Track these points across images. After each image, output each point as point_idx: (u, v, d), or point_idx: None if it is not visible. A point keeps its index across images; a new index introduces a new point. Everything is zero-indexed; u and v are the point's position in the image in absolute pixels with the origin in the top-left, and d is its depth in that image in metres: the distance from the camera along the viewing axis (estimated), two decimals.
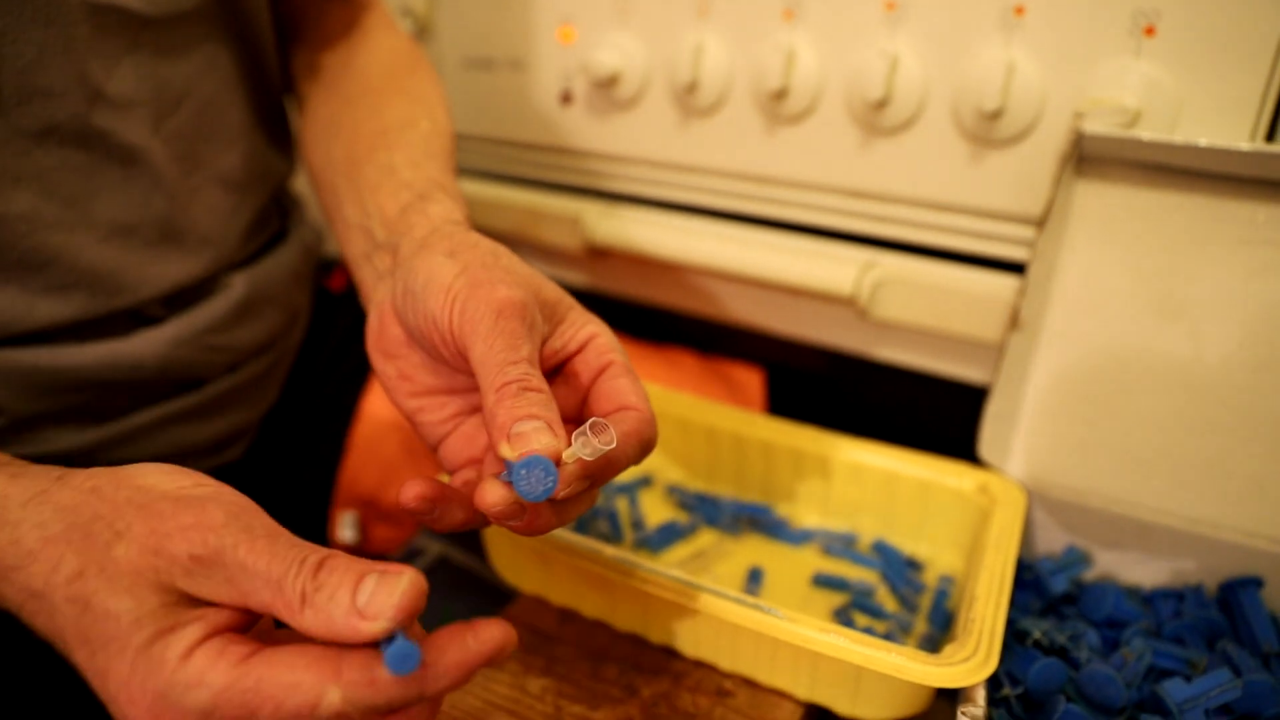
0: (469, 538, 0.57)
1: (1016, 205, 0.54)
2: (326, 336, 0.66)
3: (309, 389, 0.64)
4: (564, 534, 0.43)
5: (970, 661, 0.36)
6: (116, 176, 0.44)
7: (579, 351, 0.36)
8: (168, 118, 0.46)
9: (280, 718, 0.25)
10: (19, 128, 0.40)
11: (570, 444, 0.30)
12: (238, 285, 0.52)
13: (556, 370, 0.37)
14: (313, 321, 0.64)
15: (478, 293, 0.33)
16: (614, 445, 0.30)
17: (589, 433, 0.30)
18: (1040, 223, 0.49)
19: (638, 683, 0.43)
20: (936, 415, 0.61)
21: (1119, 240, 0.49)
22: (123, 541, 0.28)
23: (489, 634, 0.28)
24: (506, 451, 0.29)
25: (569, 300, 0.36)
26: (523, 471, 0.28)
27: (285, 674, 0.26)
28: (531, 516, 0.32)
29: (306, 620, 0.26)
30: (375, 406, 0.64)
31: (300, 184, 0.63)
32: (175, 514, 0.28)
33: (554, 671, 0.44)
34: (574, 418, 0.36)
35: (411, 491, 0.32)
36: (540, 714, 0.41)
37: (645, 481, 0.58)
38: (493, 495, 0.30)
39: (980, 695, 0.36)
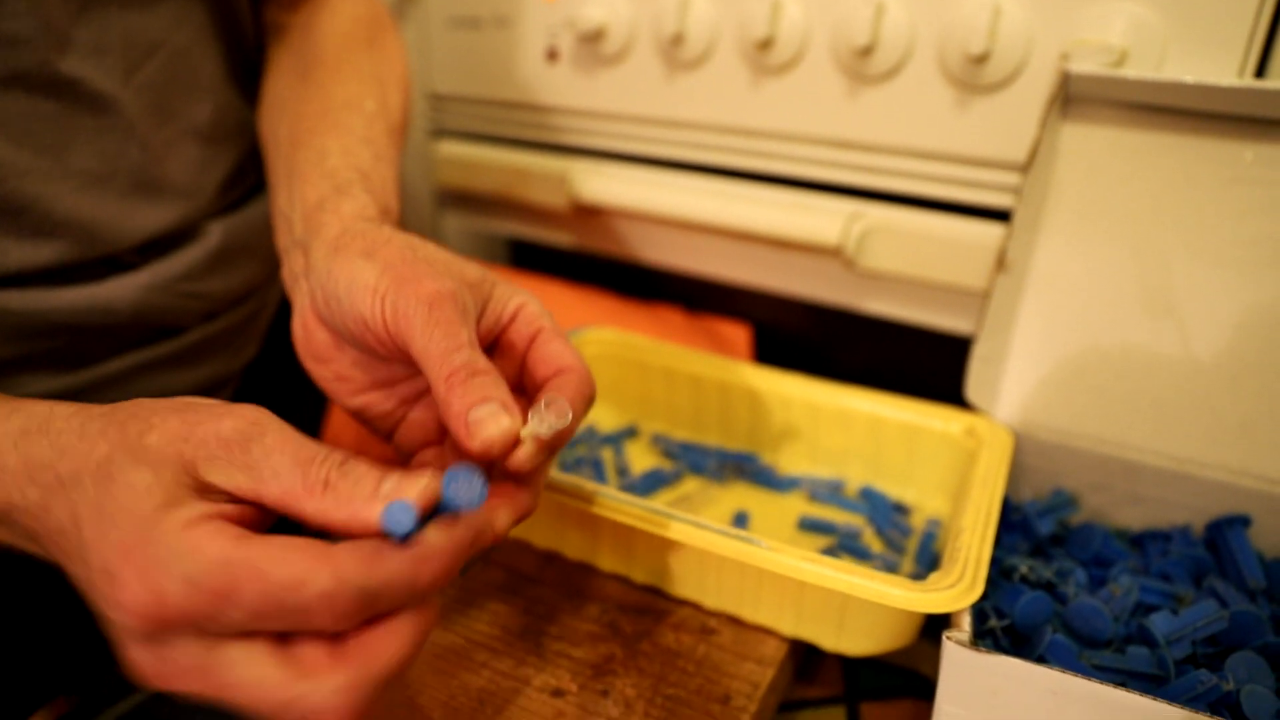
0: None
1: (1004, 151, 0.53)
2: None
3: (290, 342, 0.63)
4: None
5: (955, 588, 0.36)
6: (89, 126, 0.44)
7: (510, 323, 0.36)
8: (139, 68, 0.46)
9: (264, 591, 0.25)
10: None
11: (525, 421, 0.31)
12: (214, 234, 0.52)
13: (491, 346, 0.37)
14: None
15: (405, 289, 0.32)
16: (569, 420, 0.31)
17: (544, 410, 0.31)
18: (1025, 167, 0.48)
19: (620, 621, 0.43)
20: (925, 368, 0.60)
21: (1106, 182, 0.49)
22: (154, 432, 0.28)
23: (473, 518, 0.28)
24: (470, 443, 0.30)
25: (492, 277, 0.36)
26: (452, 487, 0.28)
27: (277, 551, 0.26)
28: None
29: (325, 502, 0.27)
30: None
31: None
32: (210, 408, 0.29)
33: (535, 611, 0.43)
34: (514, 386, 0.36)
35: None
36: (521, 650, 0.41)
37: (631, 432, 0.57)
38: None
39: (966, 621, 0.35)
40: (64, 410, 0.30)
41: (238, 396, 0.59)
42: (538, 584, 0.45)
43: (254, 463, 0.27)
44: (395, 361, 0.36)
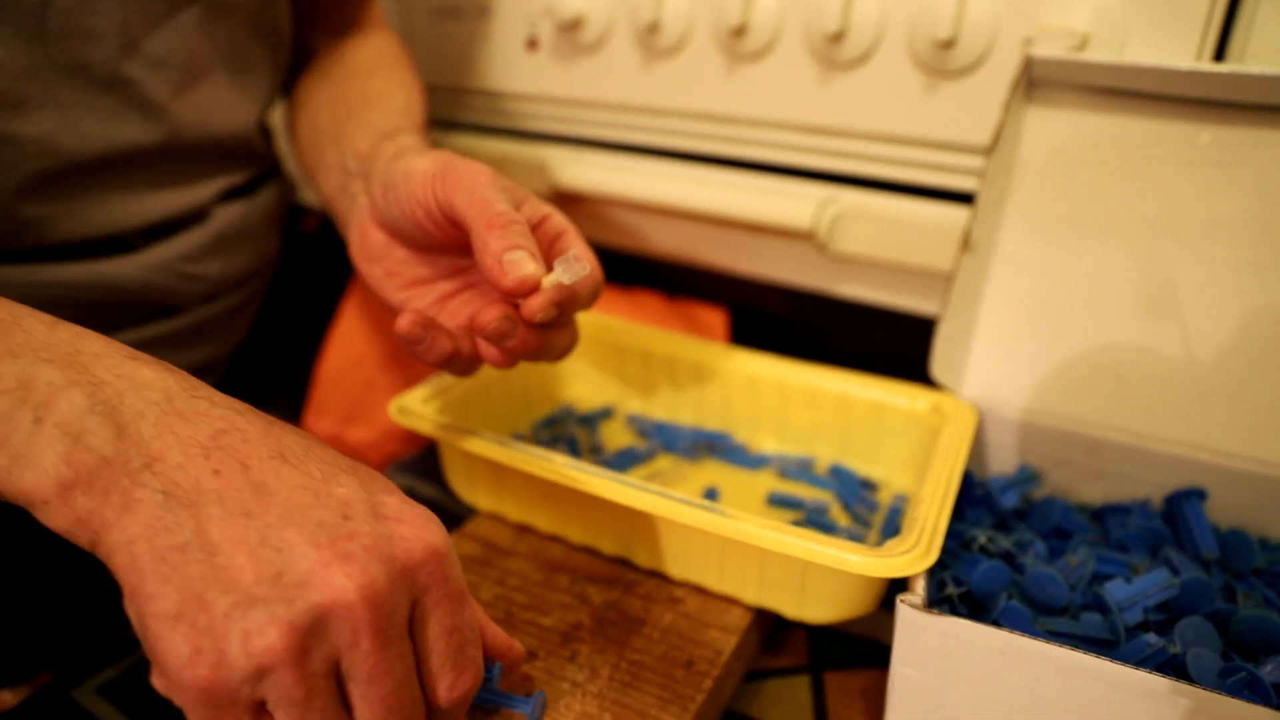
0: (430, 472, 0.58)
1: (971, 136, 0.54)
2: (297, 275, 0.67)
3: (278, 326, 0.65)
4: (517, 445, 0.43)
5: (911, 554, 0.37)
6: (136, 126, 0.47)
7: (538, 226, 0.40)
8: (190, 87, 0.50)
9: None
10: (54, 61, 0.43)
11: (549, 271, 0.36)
12: (218, 219, 0.54)
13: None
14: (285, 261, 0.66)
15: (454, 167, 0.38)
16: (588, 271, 0.36)
17: (570, 261, 0.36)
18: (989, 149, 0.49)
19: (589, 591, 0.43)
20: (897, 351, 0.61)
21: (1069, 164, 0.50)
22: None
23: None
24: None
25: (526, 191, 0.41)
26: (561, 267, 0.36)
27: None
28: (520, 339, 0.37)
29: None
30: (341, 345, 0.64)
31: (280, 144, 0.65)
32: None
33: (506, 582, 0.44)
34: None
35: (406, 320, 0.38)
36: (492, 618, 0.41)
37: (607, 413, 0.58)
38: (488, 313, 0.36)
39: (920, 586, 0.36)
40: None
41: (225, 379, 0.61)
42: (511, 556, 0.46)
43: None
44: (439, 252, 0.42)
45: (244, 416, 0.29)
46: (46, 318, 0.30)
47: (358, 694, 0.27)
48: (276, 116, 0.65)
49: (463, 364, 0.40)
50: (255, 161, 0.59)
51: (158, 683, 0.26)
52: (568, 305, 0.38)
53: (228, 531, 0.26)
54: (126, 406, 0.27)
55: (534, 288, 0.35)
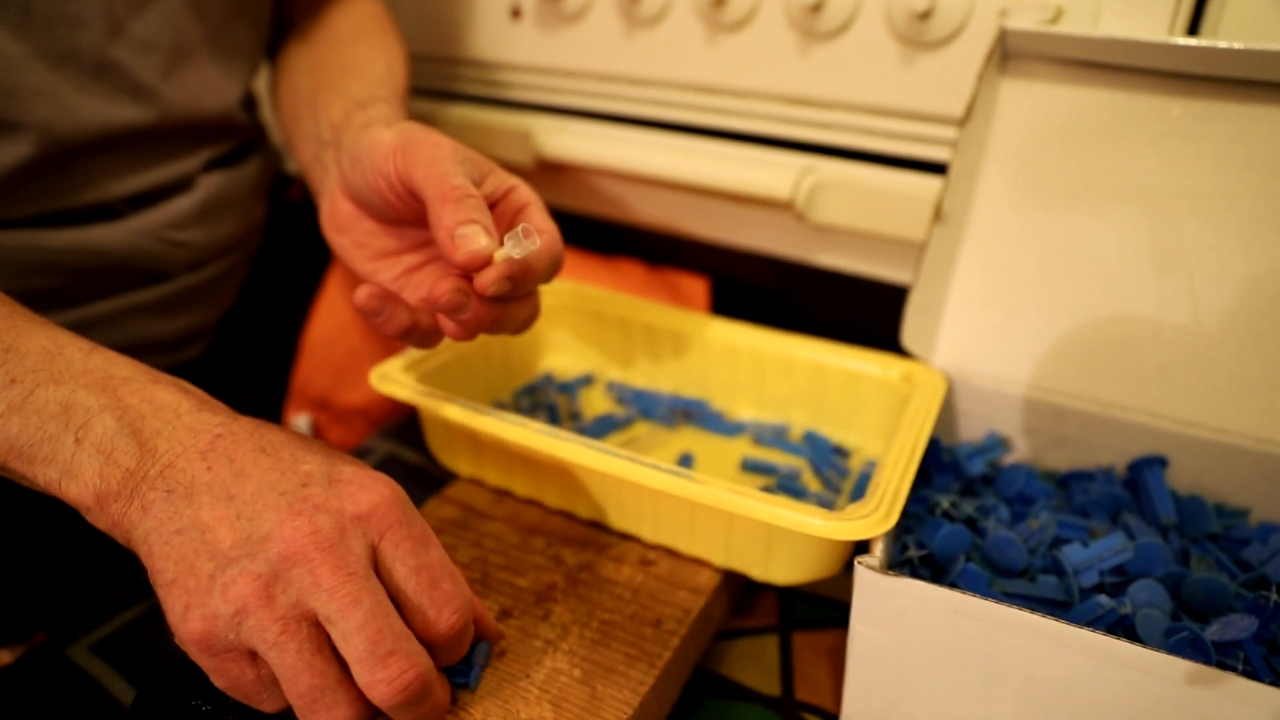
0: (413, 438, 0.59)
1: (948, 107, 0.55)
2: (283, 243, 0.68)
3: (264, 294, 0.66)
4: (494, 412, 0.45)
5: (871, 517, 0.38)
6: (130, 109, 0.49)
7: (503, 198, 0.41)
8: (178, 68, 0.51)
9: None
10: (43, 49, 0.44)
11: (502, 245, 0.36)
12: (204, 187, 0.55)
13: None
14: (271, 230, 0.67)
15: (415, 139, 0.39)
16: (538, 245, 0.36)
17: (519, 235, 0.36)
18: (963, 120, 0.50)
19: (564, 554, 0.45)
20: (875, 318, 0.62)
21: (1042, 136, 0.50)
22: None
23: None
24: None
25: (491, 163, 0.41)
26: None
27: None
28: (474, 312, 0.38)
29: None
30: (327, 313, 0.65)
31: (265, 113, 0.66)
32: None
33: (484, 545, 0.45)
34: None
35: (363, 292, 0.38)
36: (468, 579, 0.43)
37: (586, 380, 0.59)
38: (441, 286, 0.37)
39: (879, 548, 0.38)
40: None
41: (213, 347, 0.62)
42: (489, 519, 0.47)
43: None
44: (405, 225, 0.43)
45: (237, 422, 0.34)
46: (85, 344, 0.35)
47: (337, 635, 0.30)
48: (261, 84, 0.65)
49: (422, 336, 0.41)
50: (240, 133, 0.59)
51: (177, 641, 0.31)
52: (522, 279, 0.38)
53: (214, 512, 0.31)
54: (147, 426, 0.32)
55: (486, 262, 0.36)
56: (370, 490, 0.32)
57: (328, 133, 0.48)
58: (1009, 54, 0.50)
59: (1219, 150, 0.46)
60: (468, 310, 0.38)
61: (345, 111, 0.48)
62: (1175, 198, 0.47)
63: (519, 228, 0.36)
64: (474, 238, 0.35)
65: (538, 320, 0.43)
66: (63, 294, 0.50)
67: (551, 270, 0.40)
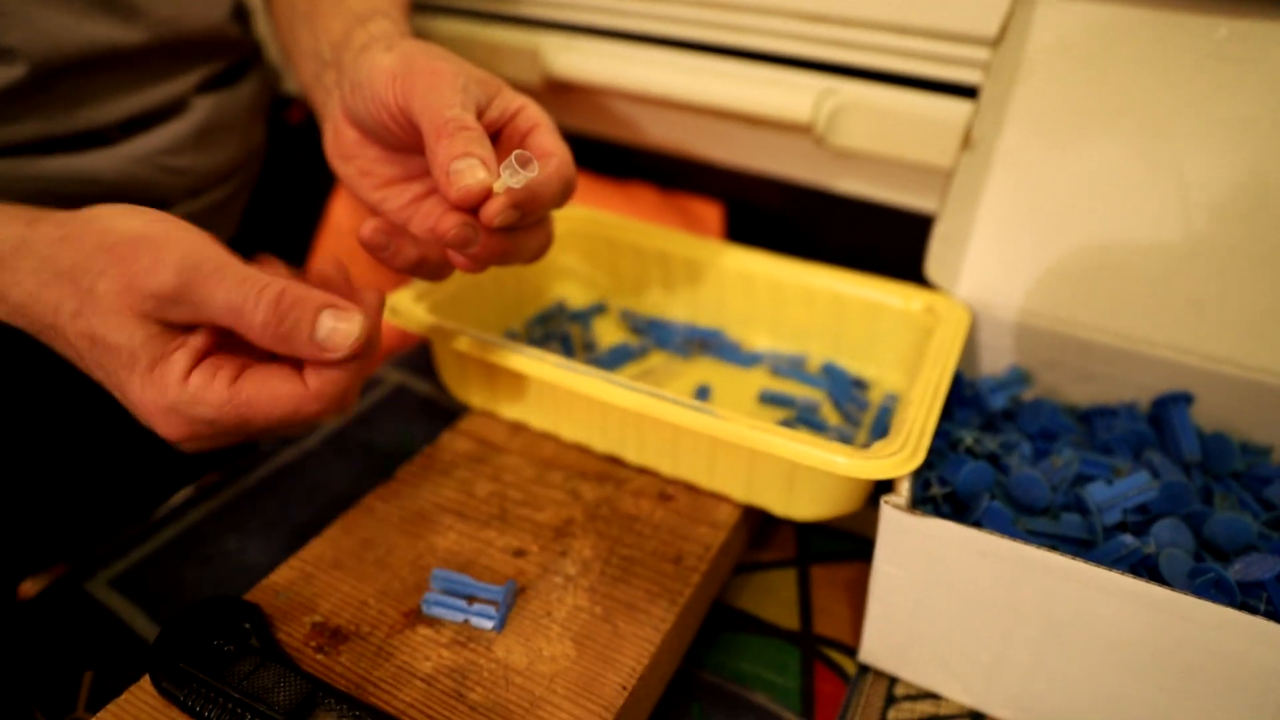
0: (425, 367, 0.58)
1: (976, 26, 0.53)
2: (284, 168, 0.66)
3: (269, 218, 0.64)
4: (508, 344, 0.44)
5: (897, 456, 0.37)
6: (109, 24, 0.47)
7: (512, 119, 0.39)
8: None
9: (270, 422, 0.33)
10: None
11: (500, 176, 0.34)
12: (199, 109, 0.54)
13: (496, 138, 0.40)
14: (271, 155, 0.65)
15: (415, 65, 0.36)
16: (536, 174, 0.34)
17: (514, 164, 0.34)
18: (996, 42, 0.47)
19: (582, 488, 0.44)
20: (894, 248, 0.61)
21: (1077, 60, 0.48)
22: (103, 280, 0.32)
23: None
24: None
25: (500, 81, 0.39)
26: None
27: (267, 390, 0.32)
28: (483, 245, 0.36)
29: (271, 344, 0.32)
30: (331, 238, 0.63)
31: (260, 26, 0.63)
32: (135, 256, 0.31)
33: (501, 479, 0.45)
34: None
35: (369, 226, 0.37)
36: (486, 514, 0.43)
37: (600, 308, 0.58)
38: (447, 220, 0.35)
39: (905, 487, 0.37)
40: (4, 245, 0.34)
41: None
42: (504, 453, 0.47)
43: (197, 306, 0.31)
44: (410, 152, 0.41)
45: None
46: None
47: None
48: None
49: (431, 270, 0.39)
50: (233, 49, 0.57)
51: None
52: (529, 206, 0.36)
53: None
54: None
55: (483, 196, 0.34)
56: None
57: (328, 51, 0.46)
58: None
59: (1269, 74, 0.44)
60: (475, 244, 0.36)
61: (345, 28, 0.45)
62: (1219, 124, 0.45)
63: (514, 155, 0.34)
64: (468, 172, 0.34)
65: (555, 242, 0.42)
66: None
67: (563, 195, 0.38)
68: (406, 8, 0.52)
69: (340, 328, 0.32)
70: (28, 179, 0.46)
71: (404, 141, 0.39)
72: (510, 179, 0.34)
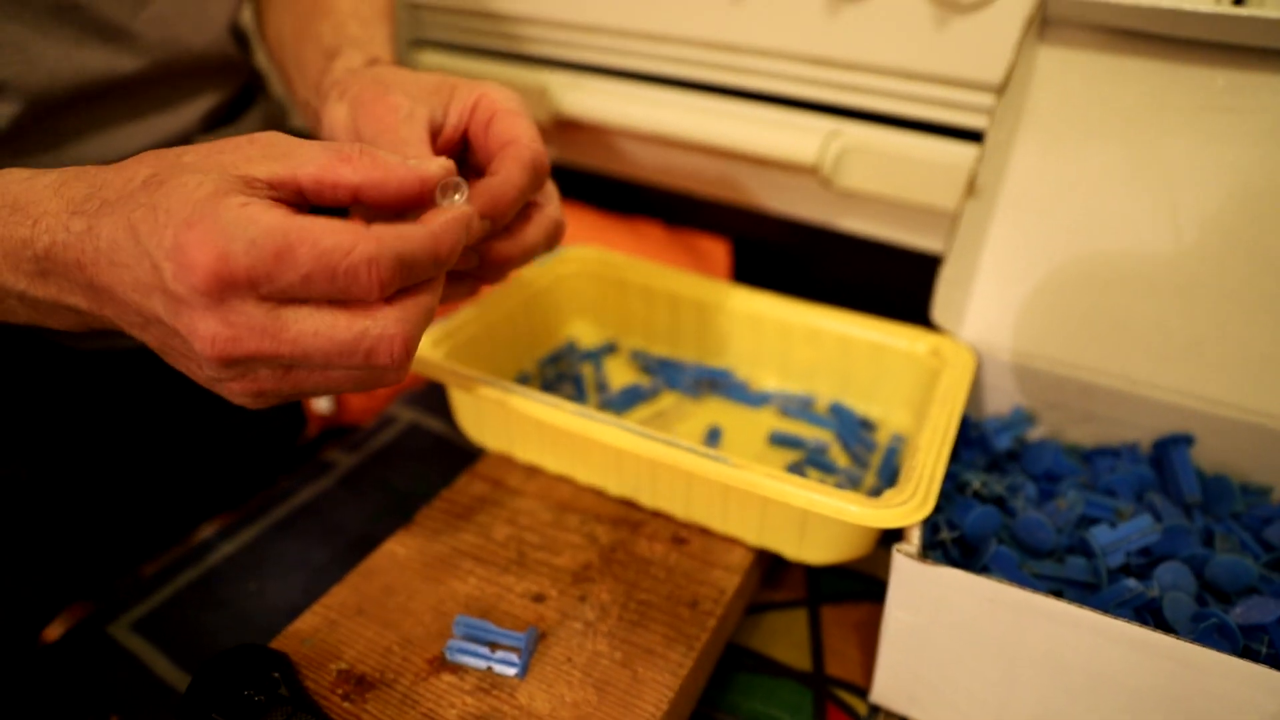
0: (436, 406, 0.59)
1: (980, 72, 0.54)
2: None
3: None
4: (526, 392, 0.45)
5: (908, 504, 0.38)
6: (103, 52, 0.46)
7: (473, 113, 0.39)
8: (149, 3, 0.48)
9: (317, 253, 0.28)
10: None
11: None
12: None
13: (464, 139, 0.40)
14: None
15: (364, 111, 0.37)
16: (465, 193, 0.33)
17: (437, 194, 0.33)
18: (1001, 89, 0.49)
19: (598, 531, 0.45)
20: (898, 285, 0.62)
21: (1079, 107, 0.49)
22: (189, 153, 0.30)
23: (464, 210, 0.33)
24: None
25: (452, 80, 0.39)
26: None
27: (325, 223, 0.28)
28: (485, 257, 0.37)
29: (362, 163, 0.30)
30: None
31: (261, 58, 0.64)
32: (235, 136, 0.31)
33: (518, 522, 0.46)
34: (486, 164, 0.39)
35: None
36: (505, 559, 0.43)
37: (610, 348, 0.59)
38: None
39: (916, 535, 0.38)
40: (96, 164, 0.32)
41: None
42: (521, 496, 0.48)
43: (287, 152, 0.30)
44: None
45: None
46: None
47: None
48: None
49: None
50: (234, 74, 0.57)
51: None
52: (497, 210, 0.36)
53: None
54: None
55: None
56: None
57: (313, 98, 0.46)
58: (1049, 20, 0.48)
59: (1266, 124, 0.45)
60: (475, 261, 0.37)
61: (318, 71, 0.45)
62: (1214, 171, 0.47)
63: (438, 186, 0.33)
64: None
65: (561, 285, 0.42)
66: None
67: (534, 177, 0.38)
68: (383, 19, 0.51)
69: (427, 161, 0.32)
70: None
71: None
72: (447, 206, 0.33)
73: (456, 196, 0.33)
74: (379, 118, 0.37)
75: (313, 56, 0.47)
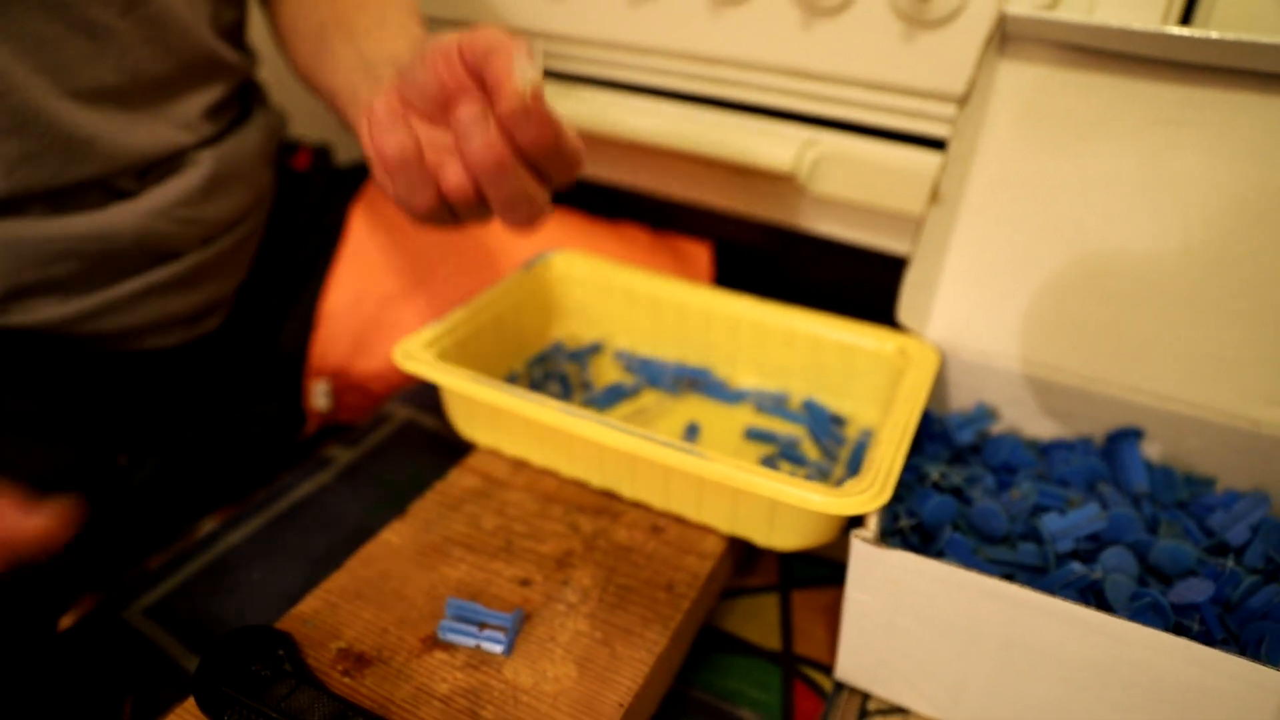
0: (429, 404, 0.62)
1: (945, 84, 0.57)
2: (292, 213, 0.69)
3: (278, 263, 0.67)
4: (514, 391, 0.47)
5: (866, 493, 0.41)
6: (85, 49, 0.48)
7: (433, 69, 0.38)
8: (138, 5, 0.50)
9: None
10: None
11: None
12: (205, 162, 0.55)
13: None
14: (279, 200, 0.68)
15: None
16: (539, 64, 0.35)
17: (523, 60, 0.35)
18: (963, 100, 0.52)
19: (580, 521, 0.48)
20: (870, 286, 0.65)
21: (1036, 118, 0.52)
22: None
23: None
24: None
25: (433, 39, 0.39)
26: None
27: None
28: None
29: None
30: (341, 284, 0.67)
31: (263, 72, 0.66)
32: None
33: (506, 513, 0.49)
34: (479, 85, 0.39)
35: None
36: (493, 547, 0.46)
37: (596, 349, 0.62)
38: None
39: (873, 522, 0.41)
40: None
41: (232, 317, 0.64)
42: (508, 488, 0.50)
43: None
44: None
45: None
46: None
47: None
48: (261, 41, 0.65)
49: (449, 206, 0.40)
50: (227, 72, 0.58)
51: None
52: (487, 61, 0.36)
53: None
54: None
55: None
56: None
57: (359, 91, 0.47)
58: (1008, 37, 0.51)
59: (1210, 136, 0.48)
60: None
61: (351, 84, 0.48)
62: (1165, 179, 0.50)
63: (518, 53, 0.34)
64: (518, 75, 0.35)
65: (549, 288, 0.44)
66: (80, 281, 0.52)
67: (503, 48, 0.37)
68: (410, 18, 0.52)
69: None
70: (53, 240, 0.49)
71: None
72: (529, 71, 0.34)
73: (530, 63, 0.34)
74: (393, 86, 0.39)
75: (362, 82, 0.48)
